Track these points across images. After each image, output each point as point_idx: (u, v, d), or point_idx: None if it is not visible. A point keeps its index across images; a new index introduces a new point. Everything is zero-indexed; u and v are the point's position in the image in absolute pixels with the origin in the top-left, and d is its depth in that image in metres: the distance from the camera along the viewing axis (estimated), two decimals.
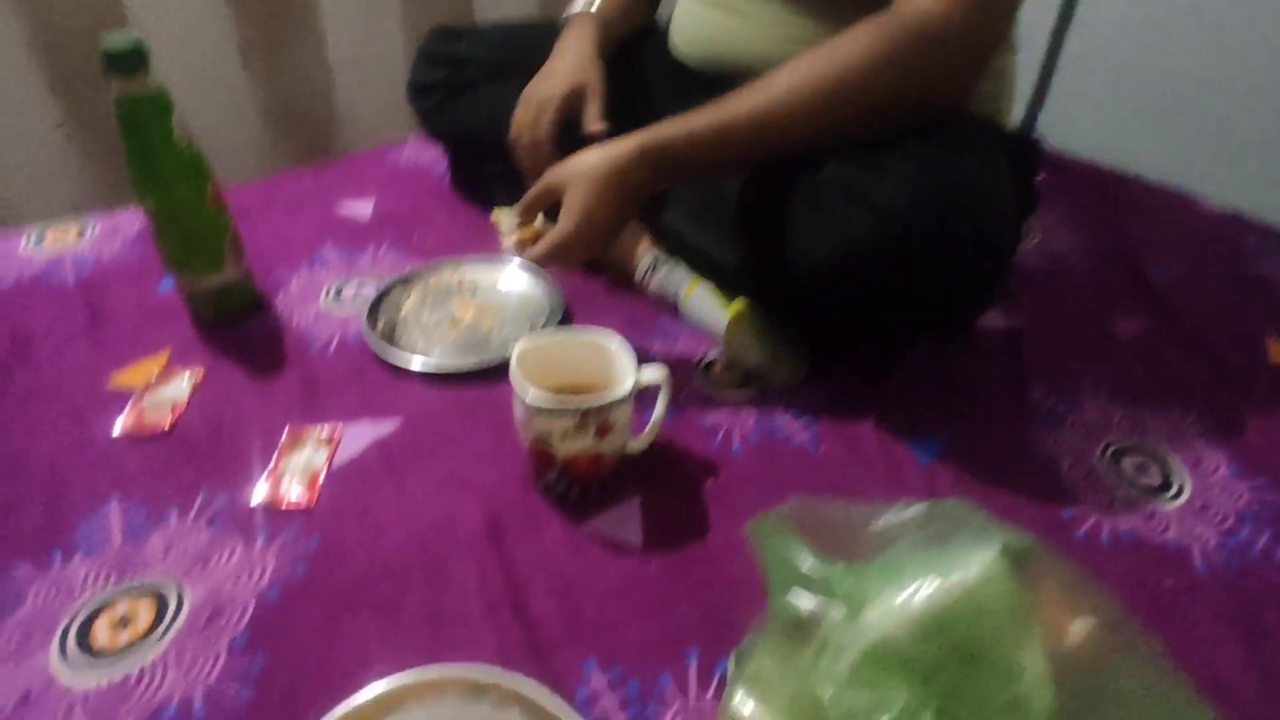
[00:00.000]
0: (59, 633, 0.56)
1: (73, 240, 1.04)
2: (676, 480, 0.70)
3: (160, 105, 0.75)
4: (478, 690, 0.52)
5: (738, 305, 0.82)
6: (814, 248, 0.70)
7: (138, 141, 0.75)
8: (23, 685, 0.53)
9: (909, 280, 0.68)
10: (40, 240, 1.04)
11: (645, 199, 0.73)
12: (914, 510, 0.51)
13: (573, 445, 0.62)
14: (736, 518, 0.67)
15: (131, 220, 1.09)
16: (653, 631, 0.58)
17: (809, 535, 0.51)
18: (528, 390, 0.60)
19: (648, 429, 0.69)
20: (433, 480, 0.69)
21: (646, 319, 0.90)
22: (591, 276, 0.98)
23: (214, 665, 0.54)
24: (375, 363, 0.83)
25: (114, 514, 0.65)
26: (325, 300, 0.93)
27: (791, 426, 0.77)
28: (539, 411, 0.60)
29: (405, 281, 0.94)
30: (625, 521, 0.66)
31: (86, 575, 0.60)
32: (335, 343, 0.86)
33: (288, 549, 0.63)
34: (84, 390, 0.79)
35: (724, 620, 0.59)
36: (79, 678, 0.53)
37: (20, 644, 0.55)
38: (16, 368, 0.82)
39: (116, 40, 0.71)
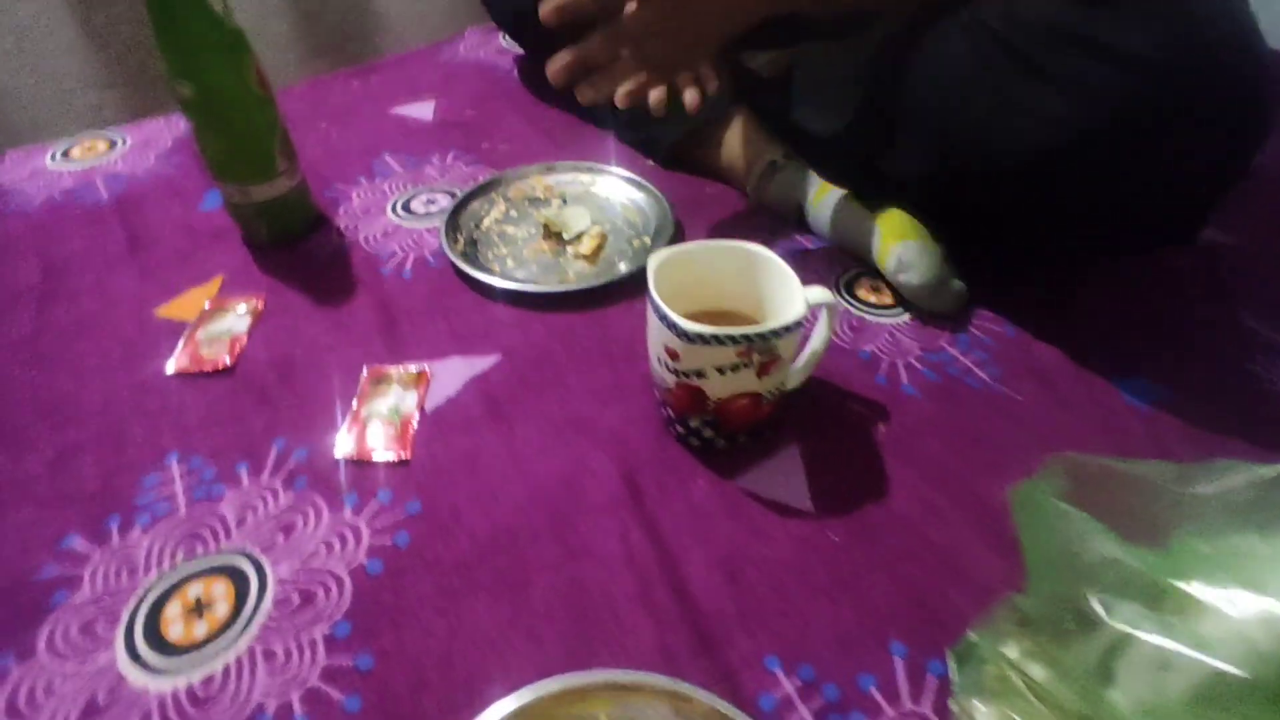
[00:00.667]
0: (124, 623, 0.46)
1: (103, 153, 0.92)
2: (840, 425, 0.58)
3: None
4: (641, 697, 0.41)
5: (892, 215, 0.67)
6: (1022, 123, 0.54)
7: (167, 12, 0.61)
8: (88, 689, 0.43)
9: (1147, 163, 0.53)
10: (66, 155, 0.92)
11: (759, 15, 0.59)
12: (1242, 476, 0.38)
13: (730, 384, 0.50)
14: (924, 472, 0.54)
15: (164, 131, 0.97)
16: (845, 618, 0.46)
17: (1088, 505, 0.38)
18: (675, 316, 0.47)
19: (803, 361, 0.56)
20: (547, 426, 0.57)
21: (763, 230, 0.76)
22: (696, 181, 0.83)
23: (311, 662, 0.44)
24: (459, 284, 0.71)
25: (176, 472, 0.55)
26: (393, 215, 0.80)
27: (964, 360, 0.63)
28: (692, 341, 0.47)
29: (484, 190, 0.80)
30: (787, 476, 0.54)
31: (150, 549, 0.50)
32: (410, 262, 0.73)
33: (385, 513, 0.52)
34: (131, 323, 0.68)
35: (931, 604, 0.47)
36: (154, 679, 0.44)
37: (81, 638, 0.46)
38: (54, 300, 0.71)
39: None
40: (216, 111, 0.66)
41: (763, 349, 0.48)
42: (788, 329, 0.48)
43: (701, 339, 0.47)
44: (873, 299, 0.69)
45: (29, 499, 0.53)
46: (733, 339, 0.47)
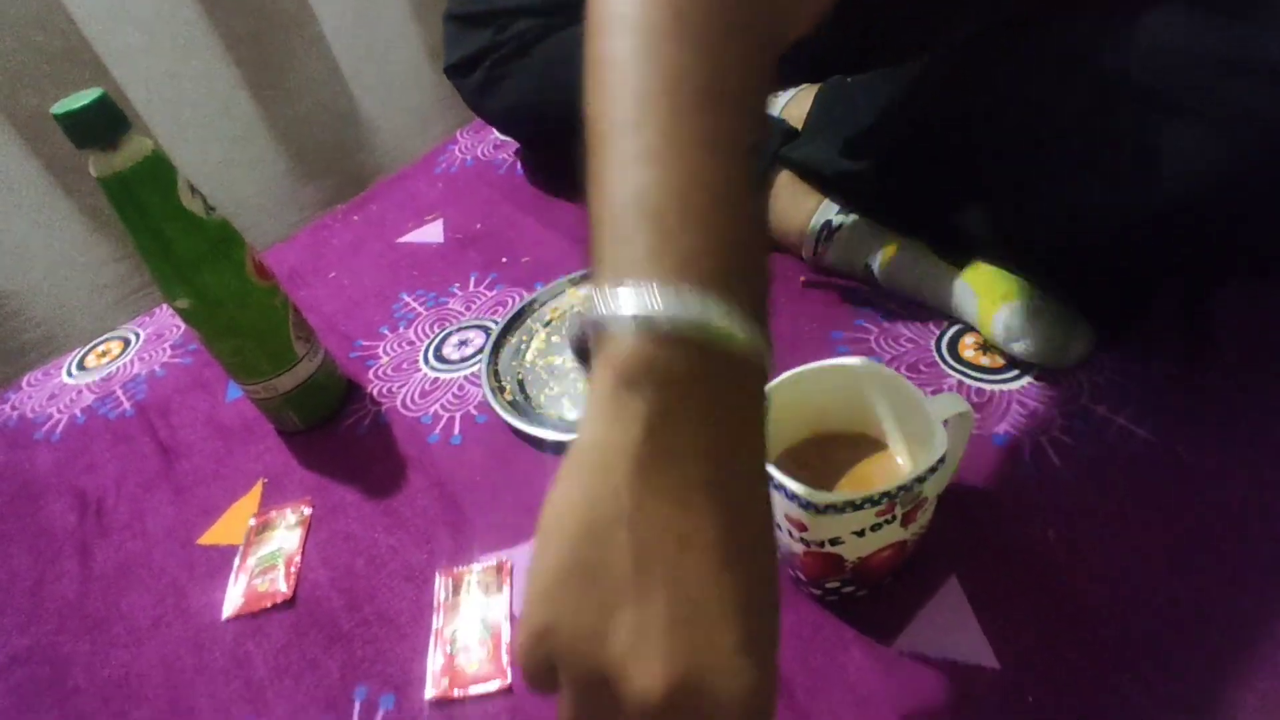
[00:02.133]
0: None
1: (118, 355, 0.88)
2: (1000, 542, 0.48)
3: (159, 173, 0.55)
4: None
5: (981, 272, 0.58)
6: (1171, 168, 0.45)
7: (144, 226, 0.55)
8: None
9: None
10: (82, 365, 0.88)
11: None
12: None
13: (870, 543, 0.41)
14: (1117, 575, 0.45)
15: (173, 317, 0.92)
16: None
17: None
18: (796, 486, 0.39)
19: (939, 473, 0.47)
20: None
21: (833, 303, 0.68)
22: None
23: None
24: (515, 441, 0.63)
25: None
26: (426, 368, 0.73)
27: (1117, 418, 0.53)
28: (823, 512, 0.39)
29: (518, 321, 0.73)
30: (954, 622, 0.45)
31: None
32: (458, 424, 0.66)
33: None
34: (177, 561, 0.61)
35: None
36: None
37: None
38: (94, 547, 0.65)
39: (74, 103, 0.51)
40: (221, 318, 0.60)
41: (906, 500, 0.40)
42: (933, 470, 0.40)
43: (834, 509, 0.39)
44: (985, 361, 0.59)
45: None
46: (872, 501, 0.39)
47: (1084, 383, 0.56)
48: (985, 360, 0.59)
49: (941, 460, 0.40)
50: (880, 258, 0.65)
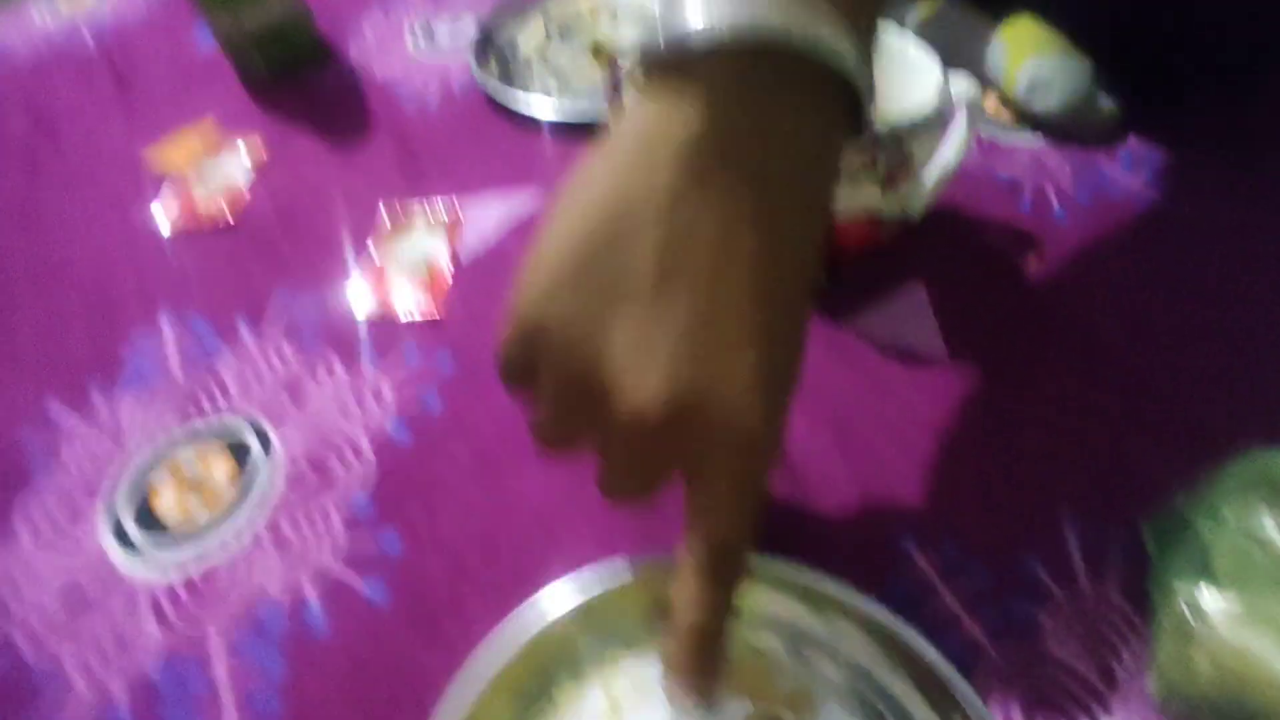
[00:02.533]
0: (106, 499, 0.39)
1: (89, 4, 0.81)
2: (977, 261, 0.45)
3: None
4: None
5: (1020, 25, 0.53)
6: None
7: None
8: (68, 574, 0.36)
9: None
10: (54, 9, 0.81)
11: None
12: None
13: (845, 200, 0.38)
14: (1094, 310, 0.42)
15: None
16: (996, 485, 0.36)
17: None
18: None
19: (932, 178, 0.44)
20: None
21: None
22: None
23: (328, 544, 0.36)
24: (495, 118, 0.59)
25: (169, 334, 0.46)
26: (413, 44, 0.68)
27: (1129, 180, 0.50)
28: None
29: (519, 10, 0.67)
30: (911, 316, 0.43)
31: (136, 419, 0.42)
32: (436, 96, 0.62)
33: (411, 374, 0.43)
34: (123, 177, 0.58)
35: (1110, 467, 0.36)
36: (144, 565, 0.36)
37: (65, 522, 0.38)
38: (44, 156, 0.62)
39: None
40: None
41: (892, 151, 0.36)
42: (926, 123, 0.36)
43: None
44: (1004, 117, 0.55)
45: (10, 361, 0.46)
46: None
47: (1102, 152, 0.52)
48: (1004, 117, 0.55)
49: (938, 116, 0.36)
50: (917, 13, 0.59)
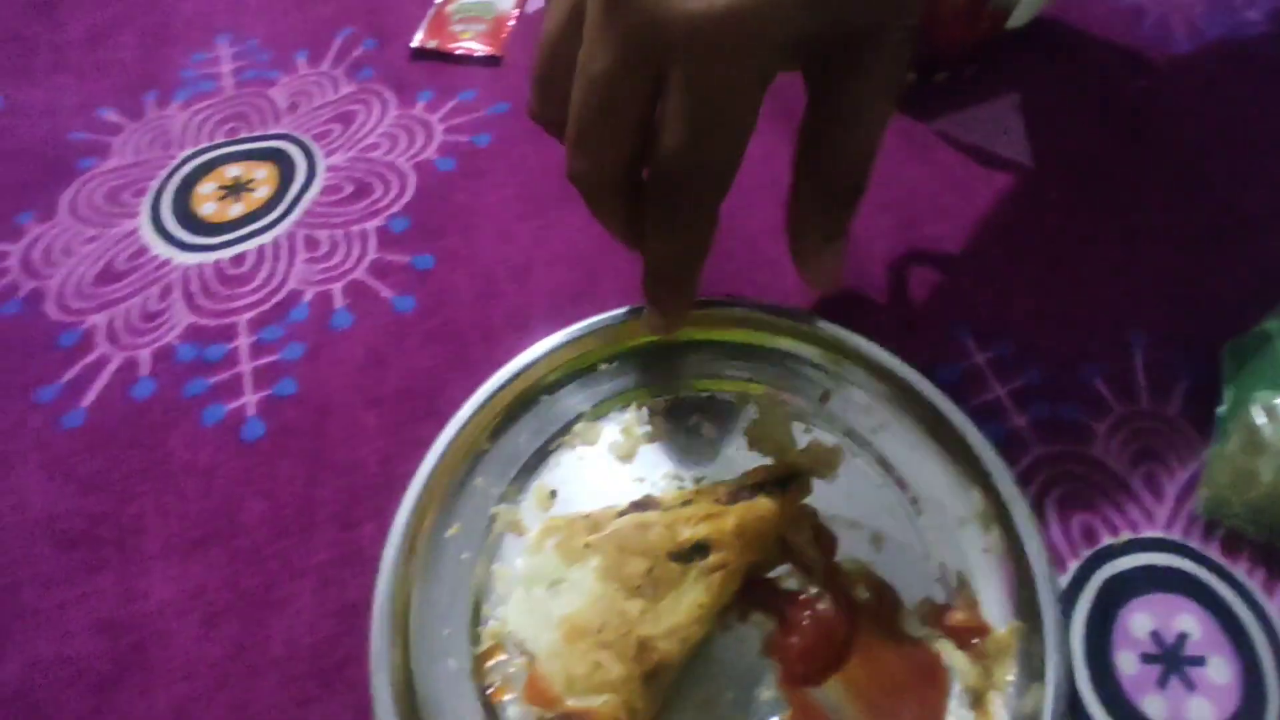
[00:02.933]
0: (152, 194, 0.38)
1: None
2: (1081, 76, 0.41)
3: None
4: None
5: None
6: None
7: None
8: (108, 254, 0.36)
9: None
10: None
11: None
12: None
13: None
14: (1199, 142, 0.38)
15: None
16: (1064, 294, 0.33)
17: None
18: None
19: None
20: None
21: None
22: None
23: (360, 255, 0.35)
24: None
25: (226, 53, 0.45)
26: None
27: (1271, 23, 0.44)
28: None
29: None
30: (1001, 124, 0.39)
31: (189, 125, 0.41)
32: None
33: (464, 111, 0.41)
34: None
35: (1192, 292, 0.33)
36: (178, 252, 0.36)
37: (105, 204, 0.38)
38: None
39: None
40: None
41: None
42: None
43: None
44: None
45: (63, 65, 0.45)
46: None
47: None
48: None
49: None
50: None
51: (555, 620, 0.24)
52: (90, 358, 0.33)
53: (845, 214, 0.27)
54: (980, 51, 0.40)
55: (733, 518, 0.25)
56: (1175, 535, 0.28)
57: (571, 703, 0.22)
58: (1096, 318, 0.33)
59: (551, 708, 0.23)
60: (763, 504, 0.26)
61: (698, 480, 0.29)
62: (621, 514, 0.26)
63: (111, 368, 0.32)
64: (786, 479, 0.27)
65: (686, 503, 0.26)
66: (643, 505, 0.26)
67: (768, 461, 0.29)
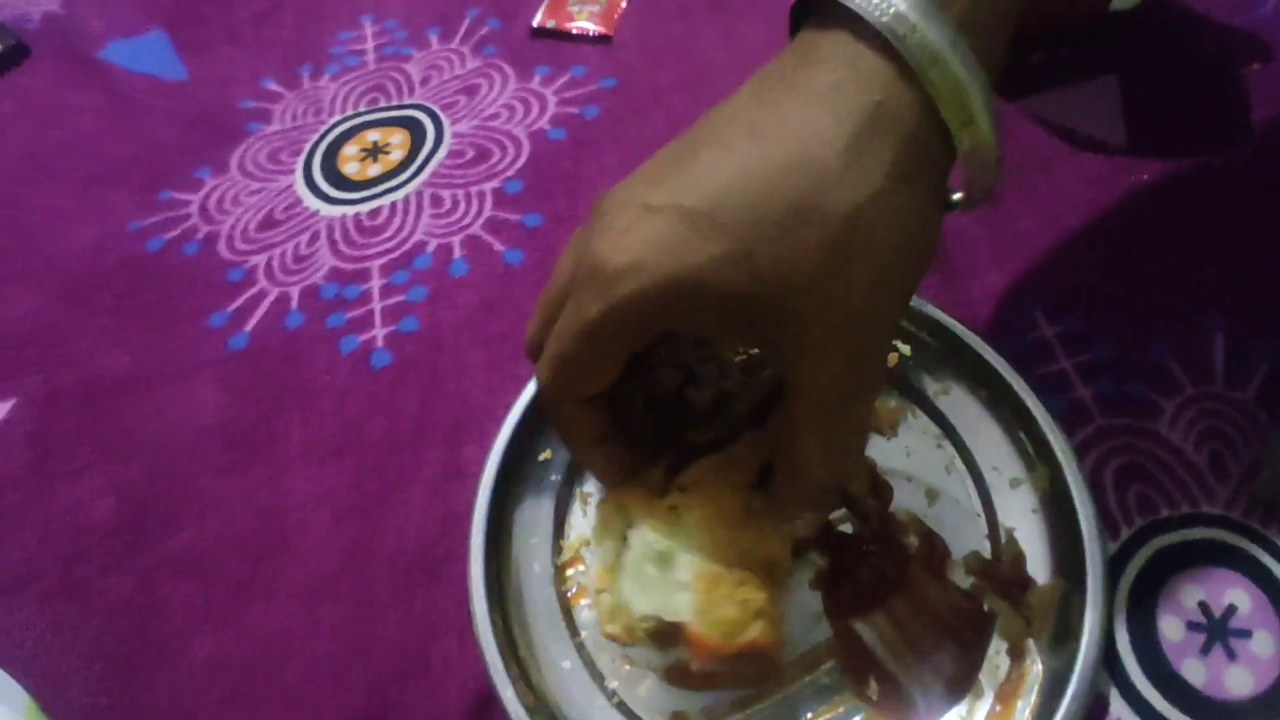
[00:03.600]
0: (305, 154, 0.44)
1: None
2: (1186, 60, 0.41)
3: None
4: None
5: None
6: None
7: None
8: (268, 205, 0.42)
9: None
10: None
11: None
12: None
13: None
14: None
15: None
16: (1145, 275, 0.33)
17: None
18: None
19: None
20: (777, 18, 0.46)
21: None
22: None
23: (478, 213, 0.40)
24: None
25: (369, 31, 0.50)
26: None
27: None
28: None
29: None
30: (1095, 105, 0.39)
31: (336, 95, 0.47)
32: None
33: (575, 85, 0.44)
34: None
35: (1277, 281, 0.33)
36: (325, 205, 0.41)
37: (267, 162, 0.44)
38: None
39: None
40: None
41: None
42: None
43: None
44: None
45: (234, 42, 0.52)
46: None
47: None
48: None
49: None
50: None
51: (686, 584, 0.23)
52: (252, 291, 0.39)
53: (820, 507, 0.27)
54: (1080, 33, 0.40)
55: None
56: (1235, 514, 0.28)
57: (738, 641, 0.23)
58: (1175, 298, 0.33)
59: (722, 655, 0.23)
60: None
61: None
62: (671, 468, 0.26)
63: (269, 301, 0.38)
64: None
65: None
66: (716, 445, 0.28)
67: None
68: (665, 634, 0.24)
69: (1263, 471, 0.28)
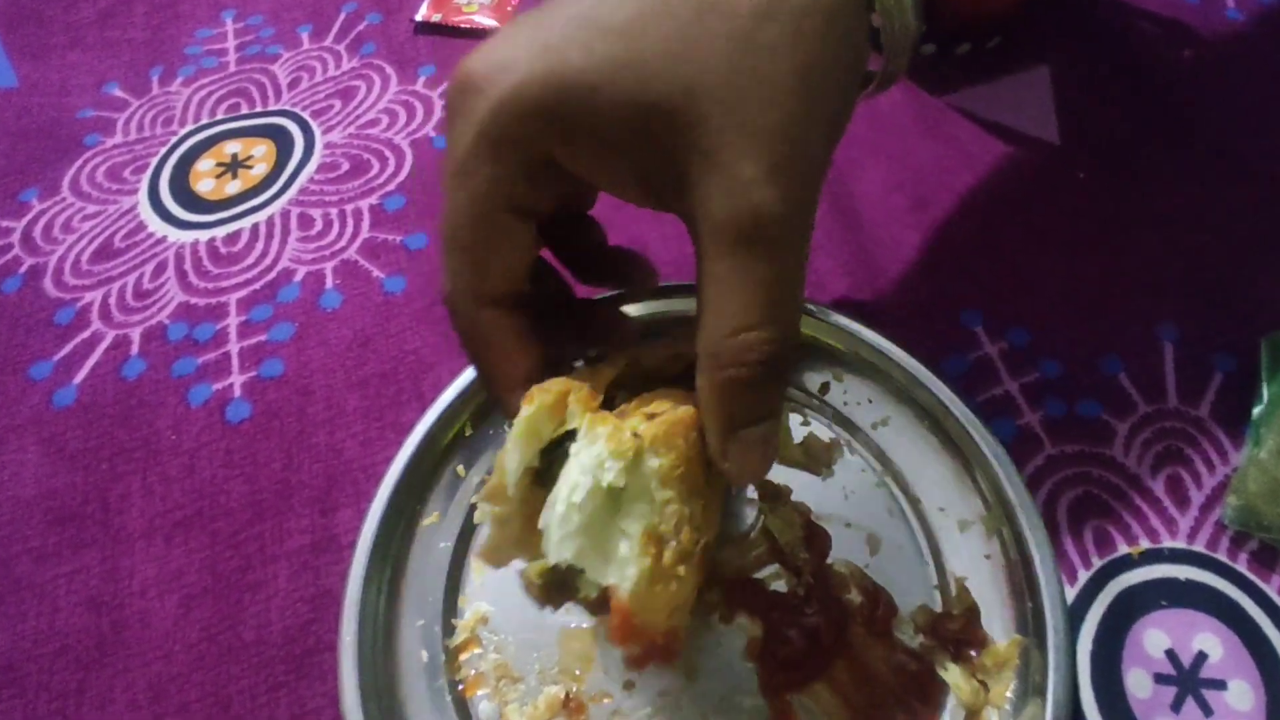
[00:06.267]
0: (151, 171, 0.38)
1: None
2: (1120, 46, 0.39)
3: None
4: None
5: None
6: None
7: None
8: (107, 230, 0.36)
9: None
10: None
11: None
12: None
13: None
14: (1240, 117, 0.35)
15: None
16: (1088, 281, 0.31)
17: None
18: None
19: None
20: None
21: None
22: None
23: (354, 233, 0.35)
24: None
25: (230, 28, 0.44)
26: None
27: None
28: None
29: None
30: (1026, 98, 0.37)
31: (190, 101, 0.41)
32: None
33: None
34: None
35: (1228, 284, 0.31)
36: (175, 229, 0.36)
37: (107, 180, 0.38)
38: None
39: None
40: None
41: None
42: None
43: None
44: None
45: (77, 45, 0.45)
46: None
47: None
48: None
49: None
50: None
51: (634, 540, 0.18)
52: (83, 335, 0.33)
53: (760, 396, 0.19)
54: (1007, 21, 0.37)
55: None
56: (1199, 547, 0.26)
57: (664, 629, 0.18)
58: (1123, 308, 0.30)
59: (642, 640, 0.18)
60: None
61: None
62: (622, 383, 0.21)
63: (103, 346, 0.32)
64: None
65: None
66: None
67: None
68: (567, 586, 0.18)
69: (1229, 498, 0.26)
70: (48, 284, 0.34)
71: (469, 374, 0.28)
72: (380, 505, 0.26)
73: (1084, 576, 0.25)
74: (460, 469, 0.28)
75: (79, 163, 0.39)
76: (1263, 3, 0.40)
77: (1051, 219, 0.33)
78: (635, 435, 0.18)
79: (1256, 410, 0.27)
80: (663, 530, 0.18)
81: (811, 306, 0.29)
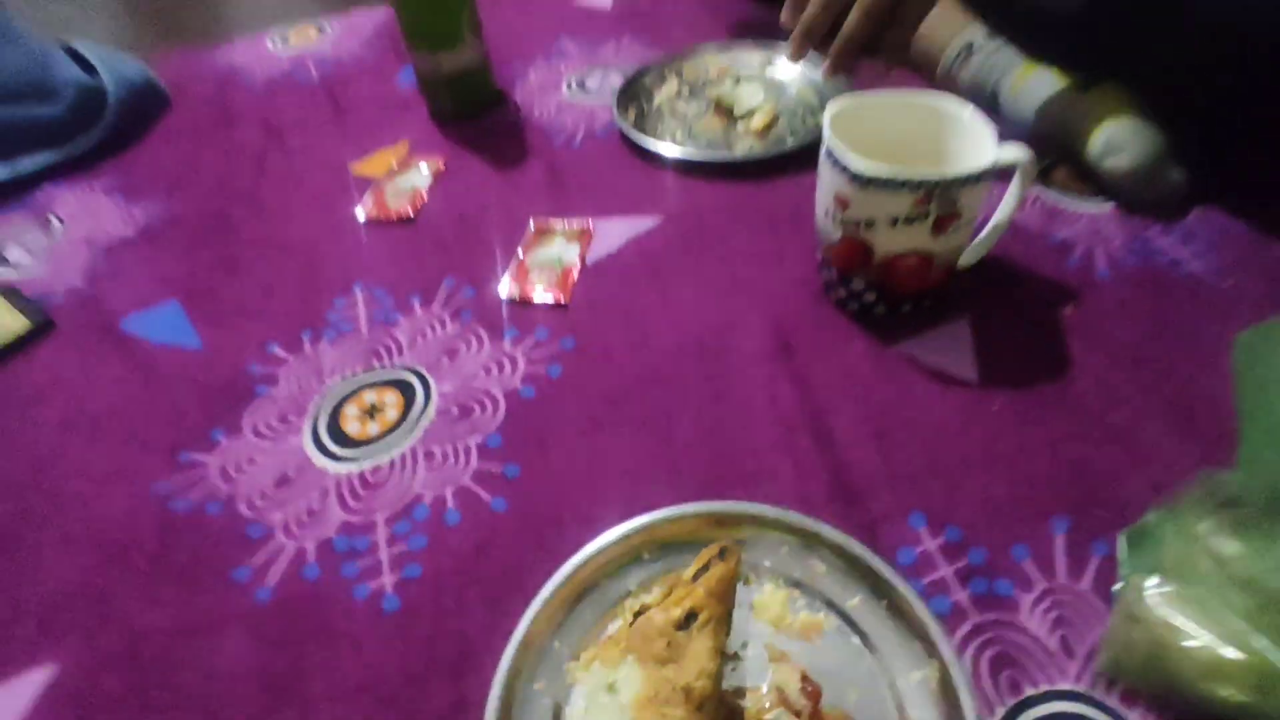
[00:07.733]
0: (311, 416, 0.52)
1: (314, 39, 1.00)
2: (1019, 305, 0.53)
3: None
4: (772, 532, 0.41)
5: (1106, 92, 0.60)
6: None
7: None
8: (280, 465, 0.49)
9: None
10: (285, 41, 1.01)
11: None
12: None
13: (899, 239, 0.47)
14: (1111, 356, 0.49)
15: (366, 21, 1.03)
16: (1001, 488, 0.43)
17: None
18: (849, 156, 0.45)
19: (985, 232, 0.52)
20: (703, 284, 0.57)
21: None
22: (880, 65, 0.77)
23: (465, 465, 0.48)
24: (627, 155, 0.71)
25: (360, 299, 0.60)
26: (567, 91, 0.81)
27: (1178, 251, 0.55)
28: (865, 185, 0.45)
29: (658, 68, 0.80)
30: (952, 347, 0.50)
31: (335, 360, 0.55)
32: (581, 134, 0.75)
33: (540, 347, 0.54)
34: (331, 178, 0.74)
35: (1102, 486, 0.43)
36: (333, 463, 0.49)
37: (276, 423, 0.52)
38: (272, 159, 0.79)
39: None
40: None
41: (943, 200, 0.45)
42: (975, 178, 0.44)
43: (877, 183, 0.44)
44: (1076, 185, 0.62)
45: (244, 313, 0.60)
46: (911, 184, 0.44)
47: (1158, 215, 0.58)
48: (1075, 187, 0.62)
49: (988, 172, 0.45)
50: (1010, 83, 0.67)
51: (627, 705, 0.32)
52: (271, 546, 0.45)
53: None
54: (939, 288, 0.52)
55: (702, 587, 0.35)
56: (1083, 688, 0.36)
57: None
58: (1027, 508, 0.42)
59: None
60: (716, 570, 0.36)
61: None
62: (632, 623, 0.36)
63: (287, 555, 0.44)
64: (721, 551, 0.37)
65: (668, 594, 0.36)
66: (641, 613, 0.36)
67: (767, 629, 0.39)
68: None
69: (1101, 652, 0.37)
70: (241, 506, 0.47)
71: (562, 573, 0.40)
72: (501, 675, 0.37)
73: (1000, 712, 0.36)
74: (557, 645, 0.39)
75: (252, 407, 0.53)
76: (1124, 266, 0.54)
77: (974, 442, 0.45)
78: (623, 649, 0.34)
79: (1115, 588, 0.38)
80: (644, 695, 0.33)
81: (805, 519, 0.41)
